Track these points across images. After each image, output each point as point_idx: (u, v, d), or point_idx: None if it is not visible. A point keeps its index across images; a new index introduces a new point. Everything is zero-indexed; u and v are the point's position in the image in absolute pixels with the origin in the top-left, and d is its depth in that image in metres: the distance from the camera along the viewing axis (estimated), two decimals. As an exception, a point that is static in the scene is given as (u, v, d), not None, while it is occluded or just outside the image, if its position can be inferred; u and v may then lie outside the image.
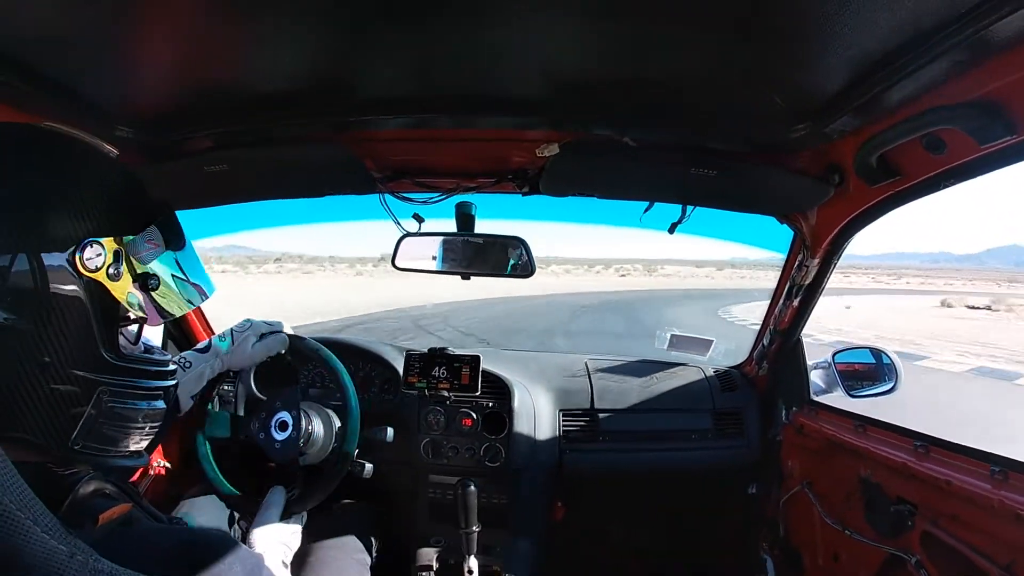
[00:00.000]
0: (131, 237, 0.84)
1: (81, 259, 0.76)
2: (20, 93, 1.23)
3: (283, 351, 1.65)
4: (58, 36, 1.10)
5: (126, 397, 0.83)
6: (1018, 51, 0.98)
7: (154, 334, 2.05)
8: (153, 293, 0.88)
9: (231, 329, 1.62)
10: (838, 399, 2.09)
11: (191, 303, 0.96)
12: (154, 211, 0.89)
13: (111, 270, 0.80)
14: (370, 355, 2.35)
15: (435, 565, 2.25)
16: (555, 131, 1.63)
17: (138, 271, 0.85)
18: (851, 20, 1.02)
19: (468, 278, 2.05)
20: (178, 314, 0.94)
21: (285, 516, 1.45)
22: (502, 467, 2.19)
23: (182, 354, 1.53)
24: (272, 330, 1.64)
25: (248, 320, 1.64)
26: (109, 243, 0.80)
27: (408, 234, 2.00)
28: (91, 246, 0.78)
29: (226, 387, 1.77)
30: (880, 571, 1.67)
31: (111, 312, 0.82)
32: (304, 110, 1.54)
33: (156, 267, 0.88)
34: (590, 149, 1.67)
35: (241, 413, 1.71)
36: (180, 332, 2.37)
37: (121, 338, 0.87)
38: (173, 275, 0.92)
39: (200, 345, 1.59)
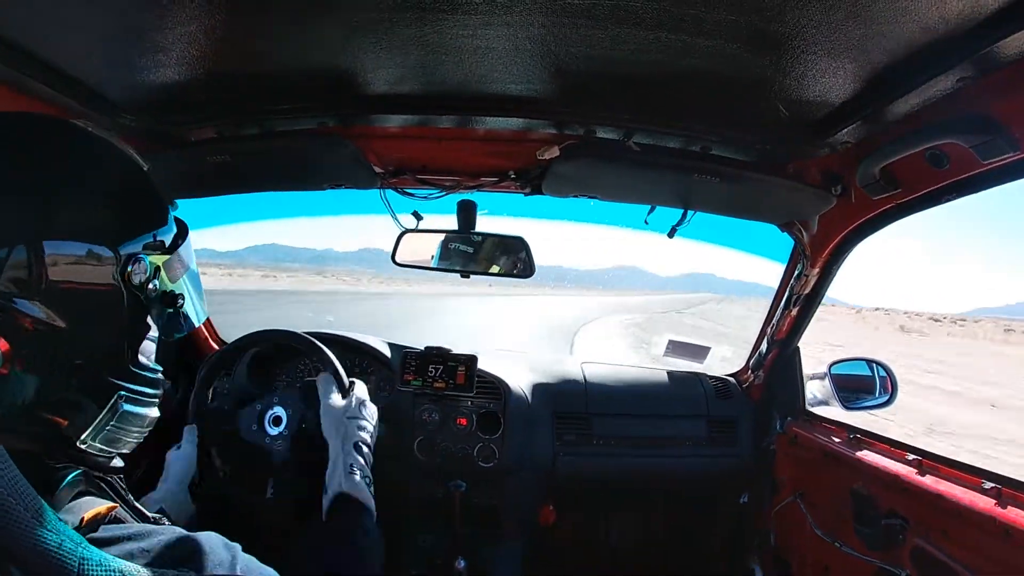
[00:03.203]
0: (167, 257, 0.87)
1: (129, 272, 0.79)
2: (23, 79, 1.23)
3: (200, 435, 1.62)
4: (62, 22, 1.09)
5: (136, 404, 0.85)
6: (1022, 69, 0.98)
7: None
8: (175, 312, 0.92)
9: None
10: (832, 408, 2.08)
11: (194, 324, 0.99)
12: (165, 211, 0.92)
13: (150, 285, 0.84)
14: (366, 351, 2.34)
15: (423, 565, 2.24)
16: (559, 132, 1.63)
17: (166, 288, 0.89)
18: (858, 32, 1.03)
19: (467, 276, 2.04)
20: (184, 333, 0.97)
21: (344, 394, 1.54)
22: (495, 468, 2.17)
23: None
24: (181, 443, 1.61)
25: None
26: (152, 259, 0.84)
27: (408, 230, 2.00)
28: (140, 261, 0.80)
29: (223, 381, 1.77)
30: None
31: (140, 324, 0.86)
32: (309, 104, 1.54)
33: (182, 286, 0.92)
34: (594, 151, 1.67)
35: (227, 407, 1.72)
36: (190, 344, 2.37)
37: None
38: (190, 294, 0.95)
39: None
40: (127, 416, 0.83)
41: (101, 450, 0.82)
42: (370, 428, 1.47)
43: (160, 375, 0.92)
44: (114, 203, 0.82)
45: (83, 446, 0.79)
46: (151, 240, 0.84)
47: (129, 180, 0.88)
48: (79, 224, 0.76)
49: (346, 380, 1.60)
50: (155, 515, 0.93)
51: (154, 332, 0.90)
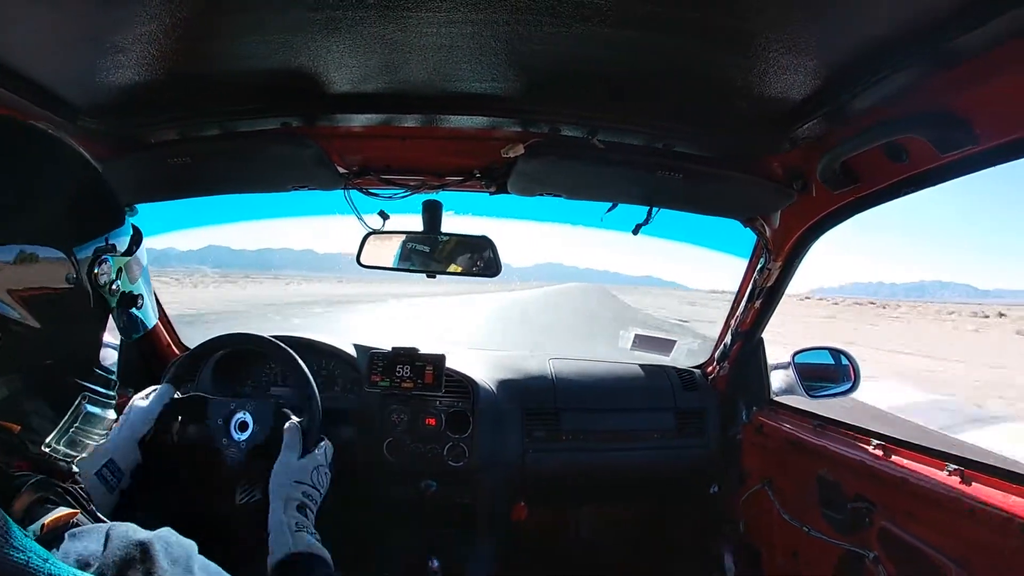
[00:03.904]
0: (127, 258, 0.89)
1: (97, 273, 0.80)
2: None
3: (170, 398, 1.64)
4: (16, 21, 1.05)
5: (97, 405, 0.86)
6: (980, 63, 1.00)
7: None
8: (136, 312, 0.94)
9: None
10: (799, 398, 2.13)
11: (148, 325, 1.00)
12: (120, 213, 0.91)
13: (113, 286, 0.85)
14: (333, 353, 2.30)
15: (396, 566, 2.22)
16: (524, 131, 1.62)
17: (127, 289, 0.90)
18: (820, 30, 1.04)
19: (433, 276, 2.03)
20: (141, 334, 0.98)
21: (305, 452, 1.50)
22: (465, 467, 2.16)
23: None
24: (150, 391, 1.63)
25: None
26: (116, 260, 0.85)
27: (373, 231, 1.97)
28: (105, 262, 0.82)
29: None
30: (838, 567, 1.71)
31: (103, 324, 0.87)
32: (271, 104, 1.51)
33: (140, 287, 0.94)
34: (558, 150, 1.67)
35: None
36: (149, 345, 2.31)
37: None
38: (147, 295, 0.96)
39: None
40: (90, 418, 0.85)
41: (65, 454, 0.82)
42: (317, 496, 1.43)
43: (112, 374, 0.92)
44: (69, 204, 0.82)
45: (47, 450, 0.79)
46: (103, 244, 0.83)
47: (84, 181, 0.87)
48: (31, 226, 0.74)
49: (313, 436, 1.57)
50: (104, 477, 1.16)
51: (112, 335, 0.90)
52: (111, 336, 0.91)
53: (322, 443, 1.55)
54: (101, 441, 0.89)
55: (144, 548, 0.71)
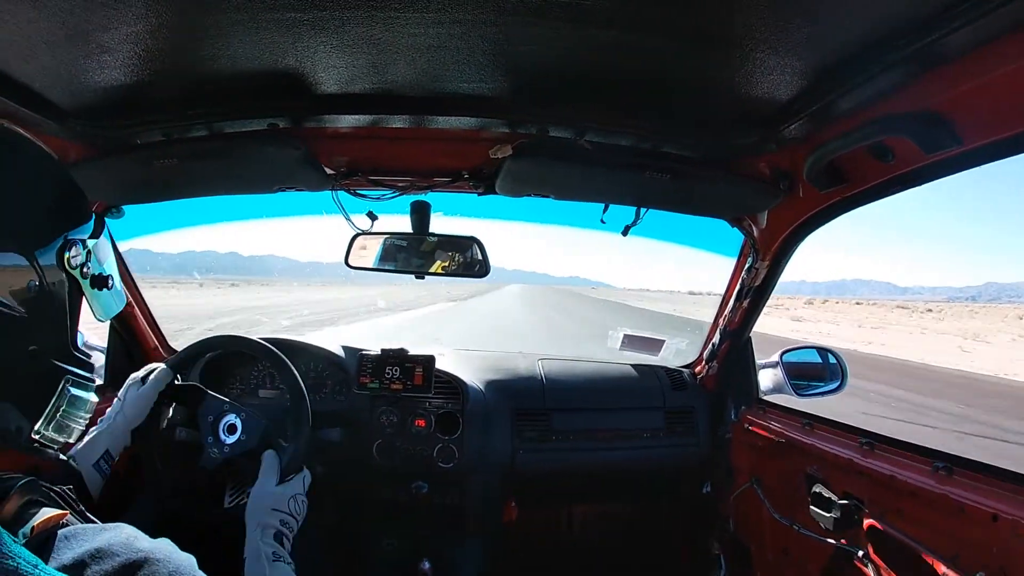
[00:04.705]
0: (94, 240, 0.91)
1: (68, 256, 0.83)
2: None
3: (167, 384, 1.62)
4: (3, 23, 1.04)
5: (80, 387, 0.88)
6: (966, 63, 1.01)
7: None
8: (108, 292, 0.96)
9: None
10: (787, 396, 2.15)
11: (120, 305, 1.04)
12: (85, 211, 0.93)
13: (84, 268, 0.88)
14: (322, 355, 2.29)
15: (388, 568, 2.22)
16: (512, 131, 1.62)
17: (96, 271, 0.92)
18: (806, 30, 1.05)
19: (422, 277, 2.03)
20: (112, 316, 1.03)
21: (282, 480, 1.47)
22: (455, 468, 2.16)
23: None
24: (147, 373, 1.61)
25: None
26: (85, 242, 0.88)
27: (361, 232, 1.97)
28: (75, 244, 0.85)
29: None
30: (828, 565, 1.72)
31: (77, 307, 0.89)
32: (258, 104, 1.50)
33: (109, 268, 0.96)
34: (546, 151, 1.67)
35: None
36: (128, 332, 2.27)
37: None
38: (116, 275, 0.99)
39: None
40: (74, 400, 0.87)
41: (53, 440, 0.85)
42: (293, 524, 1.41)
43: (88, 356, 0.94)
44: (34, 199, 0.84)
45: (37, 436, 0.82)
46: (70, 237, 0.86)
47: (49, 179, 0.89)
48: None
49: (295, 465, 1.52)
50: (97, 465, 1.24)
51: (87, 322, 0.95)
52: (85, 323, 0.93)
53: (301, 472, 1.52)
54: (85, 423, 0.90)
55: (145, 560, 0.71)
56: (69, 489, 0.85)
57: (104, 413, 1.50)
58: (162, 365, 1.62)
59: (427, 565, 2.11)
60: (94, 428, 1.46)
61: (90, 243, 0.89)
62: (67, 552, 0.67)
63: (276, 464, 1.48)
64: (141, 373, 1.59)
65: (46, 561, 0.64)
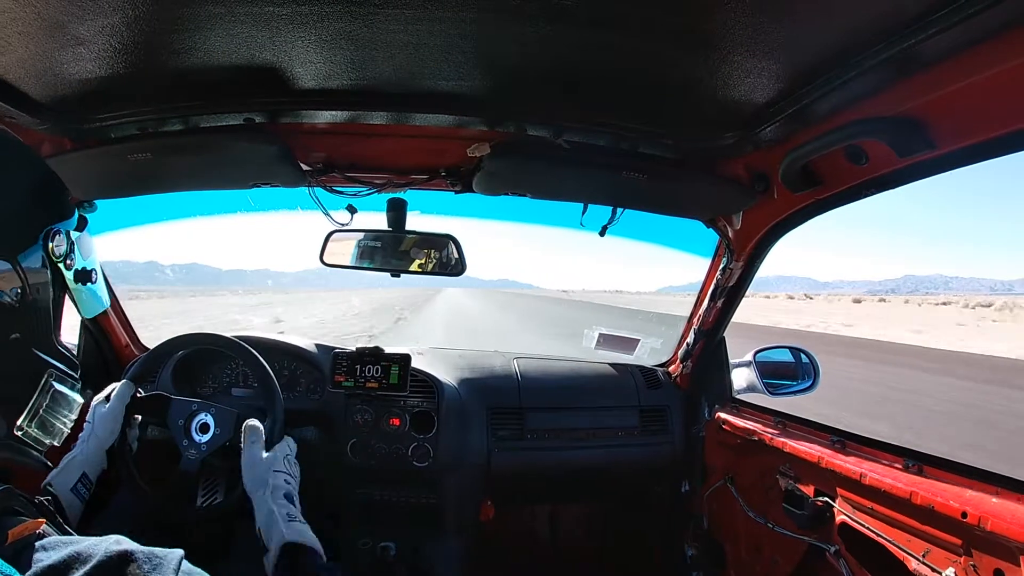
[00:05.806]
0: (77, 233, 0.90)
1: (52, 246, 0.83)
2: None
3: (131, 395, 1.58)
4: None
5: (63, 384, 0.87)
6: (941, 69, 1.03)
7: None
8: (92, 286, 0.96)
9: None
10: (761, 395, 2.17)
11: (105, 303, 1.05)
12: (67, 201, 0.92)
13: (68, 259, 0.87)
14: (296, 354, 2.26)
15: (364, 567, 2.18)
16: (490, 130, 1.61)
17: (79, 264, 0.92)
18: (784, 33, 1.05)
19: (398, 275, 2.02)
20: (97, 313, 1.05)
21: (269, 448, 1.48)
22: (430, 467, 2.14)
23: None
24: (110, 392, 1.57)
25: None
26: (69, 233, 0.87)
27: (336, 230, 1.95)
28: (59, 234, 0.84)
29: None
30: (801, 561, 1.75)
31: (61, 299, 0.89)
32: (234, 99, 1.48)
33: (93, 262, 0.96)
34: (524, 149, 1.66)
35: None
36: (99, 329, 2.20)
37: None
38: (100, 273, 1.01)
39: None
40: (58, 397, 0.85)
41: (37, 440, 0.83)
42: (294, 483, 1.42)
43: (76, 359, 0.93)
44: (14, 192, 0.83)
45: (19, 433, 0.80)
46: (52, 231, 0.84)
47: (31, 169, 0.88)
48: None
49: (276, 437, 1.54)
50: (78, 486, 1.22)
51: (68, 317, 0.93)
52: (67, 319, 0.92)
53: (284, 439, 1.53)
54: (70, 425, 0.88)
55: (131, 556, 0.70)
56: (48, 500, 0.86)
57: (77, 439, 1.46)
58: (124, 380, 1.59)
59: (403, 564, 2.10)
60: (68, 454, 1.42)
61: (74, 235, 0.88)
62: (44, 560, 0.65)
63: (260, 432, 1.48)
64: (104, 393, 1.55)
65: (22, 571, 0.62)
